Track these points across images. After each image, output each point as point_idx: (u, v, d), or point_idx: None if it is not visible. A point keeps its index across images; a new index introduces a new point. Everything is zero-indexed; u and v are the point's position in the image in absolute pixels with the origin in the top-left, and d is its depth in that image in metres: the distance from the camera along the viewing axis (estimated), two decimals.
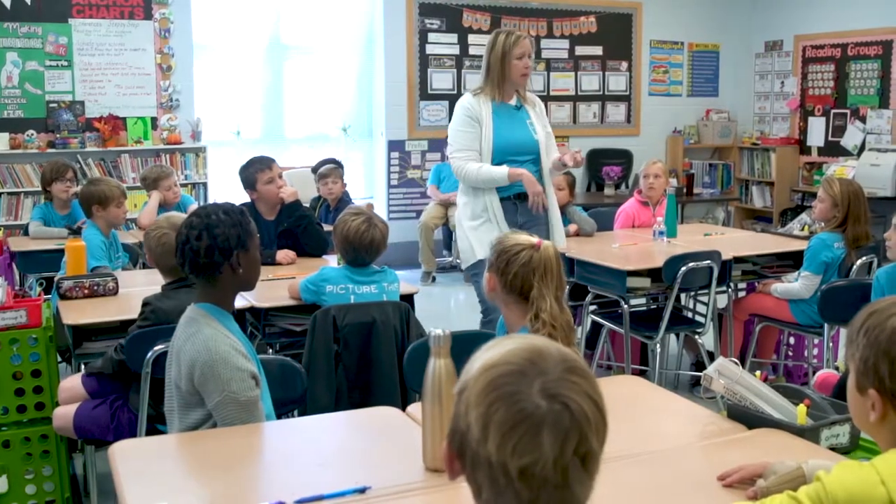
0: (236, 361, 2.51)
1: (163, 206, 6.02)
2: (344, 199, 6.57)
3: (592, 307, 5.15)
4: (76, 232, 5.43)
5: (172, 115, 8.33)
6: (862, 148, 9.40)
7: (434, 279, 8.60)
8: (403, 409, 2.64)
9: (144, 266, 5.11)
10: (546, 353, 1.25)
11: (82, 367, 3.86)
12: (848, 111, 9.69)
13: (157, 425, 3.22)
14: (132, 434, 3.32)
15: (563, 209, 5.82)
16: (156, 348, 3.21)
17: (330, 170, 6.61)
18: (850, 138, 9.66)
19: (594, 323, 5.30)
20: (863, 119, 9.52)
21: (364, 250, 3.83)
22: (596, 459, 1.22)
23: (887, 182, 8.53)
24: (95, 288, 4.10)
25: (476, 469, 1.22)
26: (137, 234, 5.73)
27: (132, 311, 3.54)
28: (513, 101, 4.67)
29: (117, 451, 2.29)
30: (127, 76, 8.16)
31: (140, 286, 4.19)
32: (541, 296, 2.62)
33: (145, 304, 3.42)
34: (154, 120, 8.27)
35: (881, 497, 1.50)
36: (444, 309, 7.85)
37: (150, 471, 2.21)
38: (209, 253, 2.56)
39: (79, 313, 3.81)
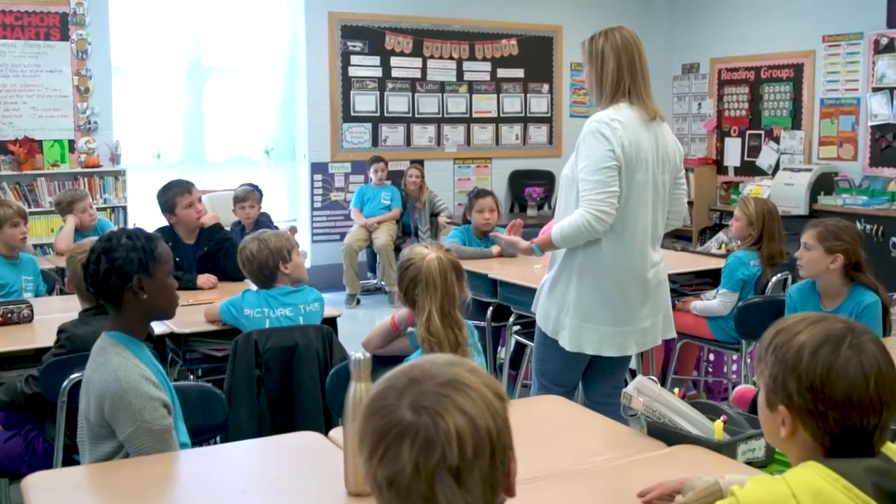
0: (147, 390, 2.46)
1: (80, 231, 5.89)
2: (261, 222, 6.36)
3: (516, 327, 5.18)
4: None
5: (90, 137, 8.16)
6: (776, 168, 9.64)
7: (358, 302, 8.56)
8: (327, 433, 2.62)
9: (62, 292, 4.99)
10: (430, 371, 1.28)
11: None
12: (762, 132, 9.94)
13: (74, 455, 3.14)
14: (48, 465, 3.23)
15: (489, 231, 5.86)
16: (72, 376, 3.13)
17: (247, 193, 6.47)
18: (765, 158, 9.90)
19: (518, 343, 5.32)
20: (776, 140, 9.77)
21: (248, 269, 3.83)
22: (474, 475, 1.23)
23: (800, 200, 8.75)
24: (9, 315, 4.00)
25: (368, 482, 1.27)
26: (55, 260, 5.60)
27: (48, 339, 3.46)
28: None
29: (31, 483, 2.23)
30: (43, 98, 7.97)
31: (56, 313, 4.08)
32: (421, 308, 2.73)
33: (61, 331, 3.34)
34: (72, 143, 8.10)
35: None
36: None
37: (65, 503, 2.16)
38: (107, 277, 2.52)
39: None
